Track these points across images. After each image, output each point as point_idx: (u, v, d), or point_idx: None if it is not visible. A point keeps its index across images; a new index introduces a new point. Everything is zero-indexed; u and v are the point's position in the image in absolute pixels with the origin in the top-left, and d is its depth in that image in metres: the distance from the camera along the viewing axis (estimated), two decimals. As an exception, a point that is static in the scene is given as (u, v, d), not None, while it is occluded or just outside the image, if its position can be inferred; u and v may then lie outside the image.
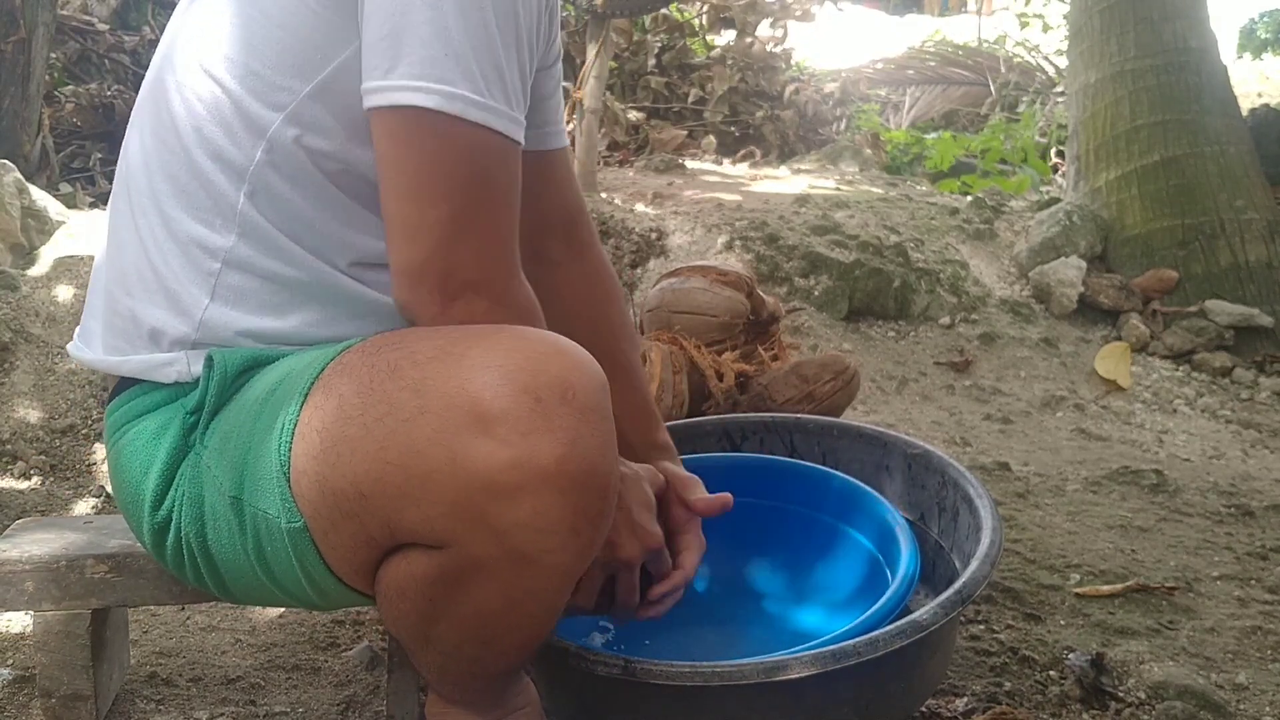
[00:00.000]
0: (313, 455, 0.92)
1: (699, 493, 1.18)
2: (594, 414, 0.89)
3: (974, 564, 1.16)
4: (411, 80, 0.93)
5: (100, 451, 2.28)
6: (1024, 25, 8.28)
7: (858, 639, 1.05)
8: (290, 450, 0.94)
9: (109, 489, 2.12)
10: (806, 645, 1.07)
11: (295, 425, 0.94)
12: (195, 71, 1.04)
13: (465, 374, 0.87)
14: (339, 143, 1.02)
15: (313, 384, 0.95)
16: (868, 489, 1.39)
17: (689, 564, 1.15)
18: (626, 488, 1.07)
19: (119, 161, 1.13)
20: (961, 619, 1.50)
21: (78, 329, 1.17)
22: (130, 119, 1.14)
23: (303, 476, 0.93)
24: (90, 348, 1.13)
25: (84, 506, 2.07)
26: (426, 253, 0.95)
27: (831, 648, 1.05)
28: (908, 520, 1.33)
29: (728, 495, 1.18)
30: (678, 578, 1.14)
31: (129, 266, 1.07)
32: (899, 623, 1.07)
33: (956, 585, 1.13)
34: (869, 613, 1.14)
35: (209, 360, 1.02)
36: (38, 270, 2.72)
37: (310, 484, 0.93)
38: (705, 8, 6.02)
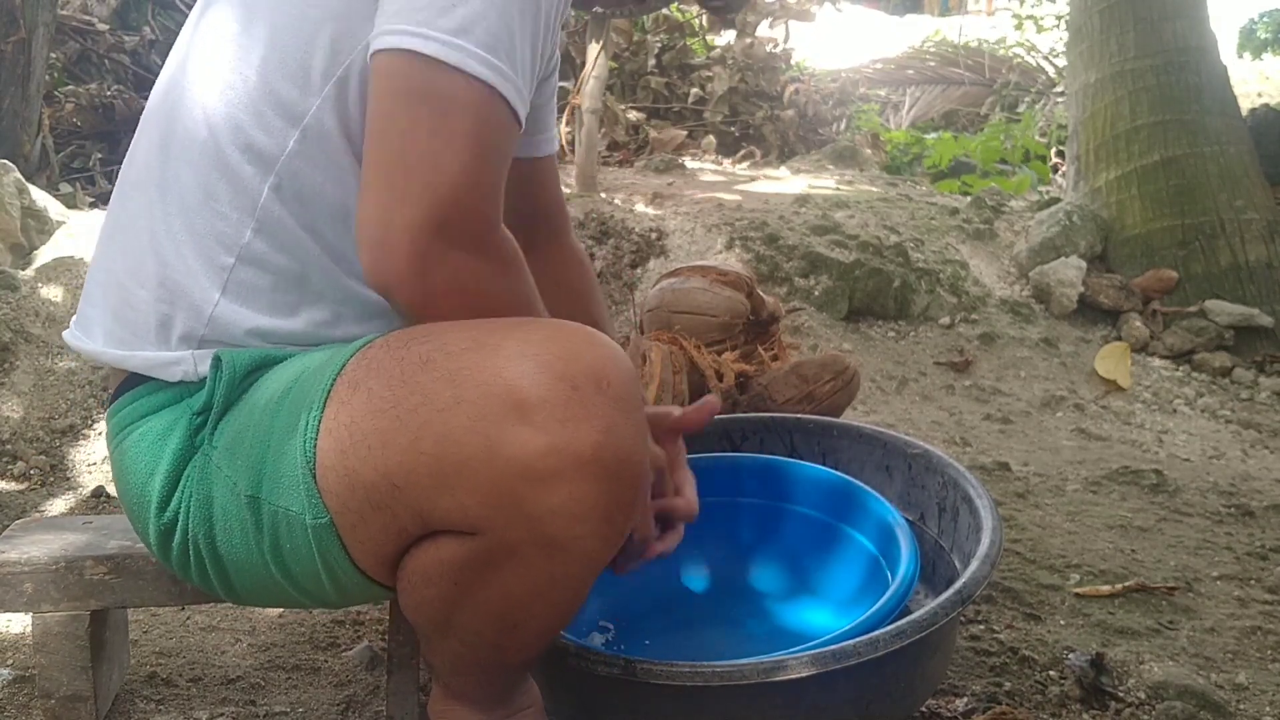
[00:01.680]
0: (341, 450, 0.92)
1: (677, 415, 1.17)
2: (628, 403, 0.89)
3: (974, 564, 1.16)
4: (414, 26, 0.92)
5: (100, 452, 2.28)
6: (1018, 26, 8.30)
7: (858, 639, 1.05)
8: (316, 446, 0.94)
9: (109, 489, 2.12)
10: (806, 645, 1.07)
11: (320, 421, 0.94)
12: (227, 61, 1.04)
13: (501, 363, 0.88)
14: None
15: (335, 380, 0.95)
16: (868, 489, 1.38)
17: (690, 495, 1.16)
18: None
19: (131, 151, 1.12)
20: (961, 619, 1.50)
21: (74, 317, 1.16)
22: (145, 112, 1.13)
23: (330, 472, 0.93)
24: (90, 337, 1.11)
25: (83, 507, 2.07)
26: (406, 202, 0.91)
27: (831, 648, 1.05)
28: (908, 520, 1.33)
29: (712, 398, 1.18)
30: (681, 505, 1.14)
31: (141, 257, 1.06)
32: (899, 623, 1.07)
33: (956, 585, 1.13)
34: (869, 613, 1.14)
35: (216, 360, 1.02)
36: (38, 270, 2.72)
37: (338, 478, 0.93)
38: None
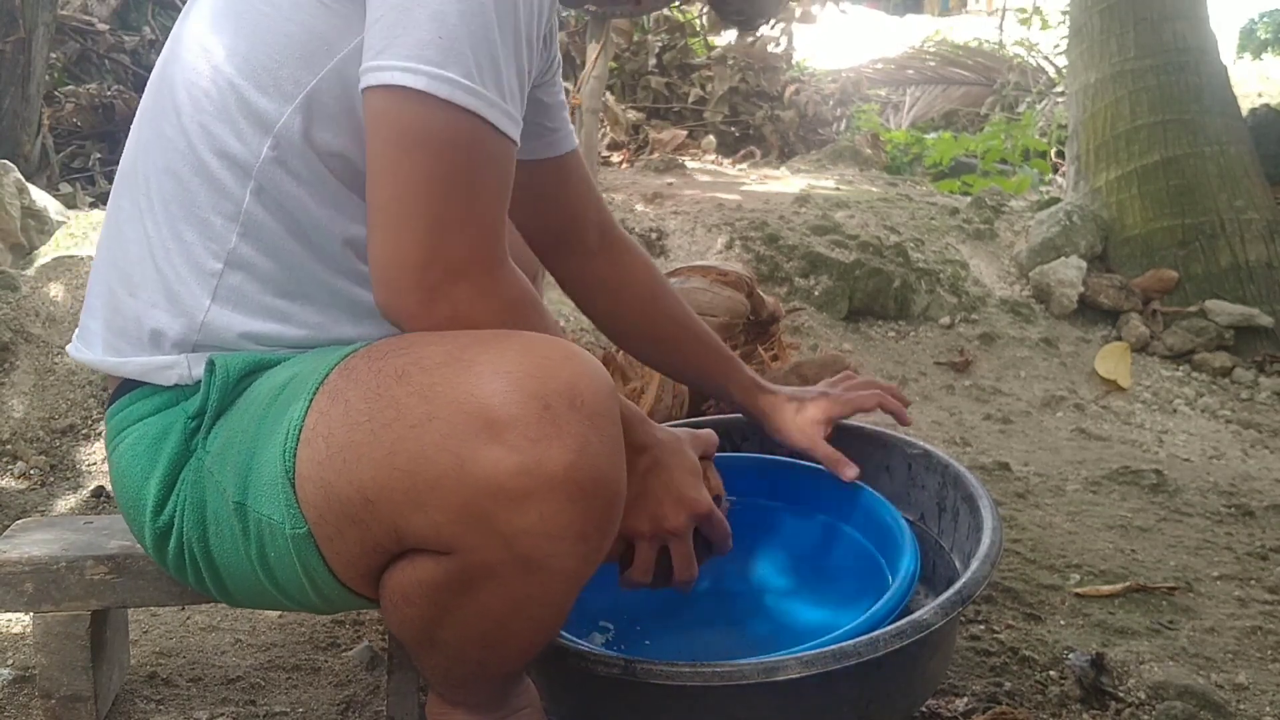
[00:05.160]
0: (318, 461, 0.92)
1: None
2: (602, 420, 0.88)
3: (974, 564, 1.16)
4: (401, 61, 0.91)
5: (100, 451, 2.28)
6: (1024, 21, 8.31)
7: (858, 639, 1.05)
8: (295, 456, 0.93)
9: (109, 489, 2.12)
10: (806, 645, 1.07)
11: (300, 431, 0.93)
12: (201, 67, 1.04)
13: (474, 380, 0.87)
14: (346, 137, 1.02)
15: (318, 389, 0.95)
16: (868, 489, 1.39)
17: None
18: (667, 455, 1.09)
19: (122, 159, 1.12)
20: (961, 619, 1.50)
21: (77, 330, 1.17)
22: (135, 116, 1.13)
23: (307, 482, 0.93)
24: (90, 348, 1.12)
25: (83, 507, 2.07)
26: (409, 241, 0.92)
27: (831, 648, 1.05)
28: (908, 520, 1.33)
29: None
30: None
31: (132, 266, 1.07)
32: (899, 623, 1.07)
33: (957, 585, 1.13)
34: (869, 613, 1.14)
35: (210, 365, 1.02)
36: (38, 270, 2.72)
37: (315, 490, 0.92)
38: (706, 8, 6.02)
